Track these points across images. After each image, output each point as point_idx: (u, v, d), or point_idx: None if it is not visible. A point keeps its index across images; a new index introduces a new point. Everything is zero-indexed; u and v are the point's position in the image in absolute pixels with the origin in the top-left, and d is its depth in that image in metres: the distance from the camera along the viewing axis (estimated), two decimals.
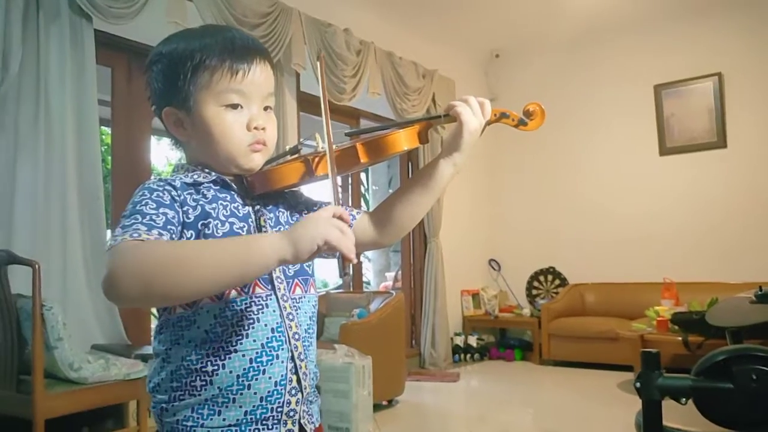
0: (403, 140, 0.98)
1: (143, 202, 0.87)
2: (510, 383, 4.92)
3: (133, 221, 0.83)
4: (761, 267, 4.83)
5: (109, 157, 3.73)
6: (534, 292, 6.18)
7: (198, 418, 0.88)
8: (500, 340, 6.08)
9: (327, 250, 0.81)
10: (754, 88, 5.18)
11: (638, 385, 0.86)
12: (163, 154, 6.93)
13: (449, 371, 5.18)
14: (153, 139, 3.87)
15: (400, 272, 6.18)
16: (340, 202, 0.92)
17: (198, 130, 0.94)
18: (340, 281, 6.15)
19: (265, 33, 3.88)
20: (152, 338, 0.96)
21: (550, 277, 6.14)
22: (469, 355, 5.70)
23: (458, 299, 5.98)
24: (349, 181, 5.38)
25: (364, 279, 6.38)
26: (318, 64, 1.09)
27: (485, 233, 6.37)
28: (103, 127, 3.64)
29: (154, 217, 0.84)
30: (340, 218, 0.84)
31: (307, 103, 4.43)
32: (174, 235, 0.86)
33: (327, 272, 8.25)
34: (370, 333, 3.79)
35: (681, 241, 5.38)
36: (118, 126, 3.58)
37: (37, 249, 2.77)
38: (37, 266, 2.30)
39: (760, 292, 2.94)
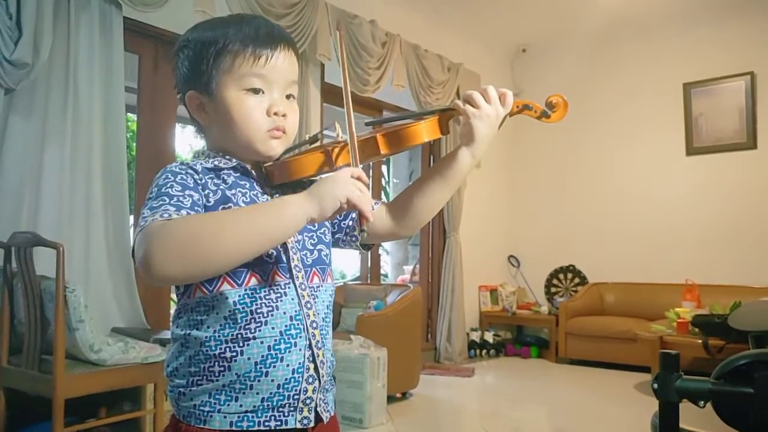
0: (425, 131, 0.97)
1: (168, 185, 0.88)
2: (525, 380, 4.90)
3: (161, 202, 0.84)
4: None
5: (134, 144, 3.78)
6: (553, 289, 6.14)
7: (215, 403, 0.89)
8: (517, 337, 6.06)
9: (348, 208, 0.85)
10: None
11: (656, 386, 0.85)
12: (187, 142, 7.00)
13: (464, 366, 5.18)
14: (177, 127, 3.91)
15: (418, 266, 6.18)
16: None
17: (219, 114, 0.95)
18: (357, 273, 6.18)
19: (292, 23, 3.89)
20: (171, 323, 0.97)
21: (569, 275, 6.09)
22: (484, 351, 5.69)
23: (476, 294, 5.96)
24: (370, 173, 5.38)
25: (382, 271, 6.39)
26: (338, 37, 1.09)
27: (505, 229, 6.33)
28: (128, 114, 3.68)
29: (181, 198, 0.86)
30: (359, 179, 0.87)
31: (331, 95, 4.44)
32: None
33: (345, 263, 8.28)
34: (387, 325, 3.80)
35: (704, 243, 5.29)
36: (143, 113, 3.62)
37: (61, 232, 2.82)
38: (61, 249, 2.34)
39: None
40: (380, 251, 5.84)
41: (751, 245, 5.08)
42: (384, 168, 6.64)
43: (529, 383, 4.81)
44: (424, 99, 5.01)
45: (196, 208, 0.87)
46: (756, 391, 0.80)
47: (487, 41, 5.98)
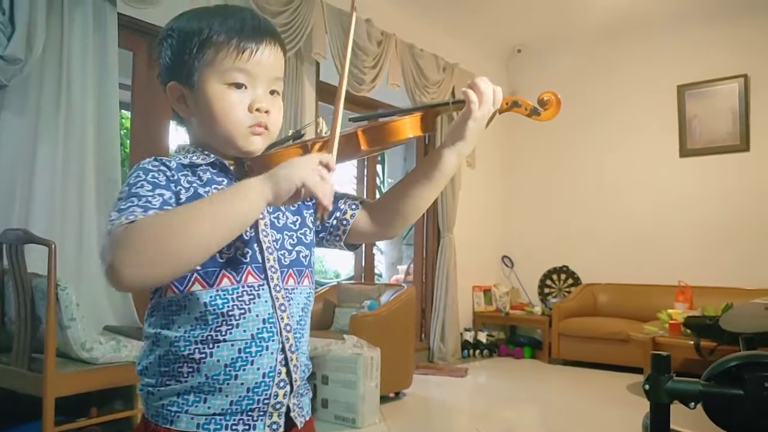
0: (407, 128, 0.94)
1: (138, 184, 0.86)
2: (518, 381, 4.90)
3: (129, 204, 0.82)
4: None
5: (128, 141, 3.77)
6: (546, 290, 6.15)
7: (183, 404, 0.87)
8: (510, 337, 6.07)
9: (305, 194, 0.81)
10: None
11: (647, 387, 0.85)
12: (181, 139, 6.99)
13: (457, 366, 5.18)
14: (172, 125, 3.90)
15: (412, 265, 6.18)
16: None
17: (199, 107, 0.93)
18: (351, 273, 6.17)
19: (287, 21, 3.88)
20: (144, 320, 0.95)
21: (563, 276, 6.10)
22: (478, 351, 5.70)
23: (470, 295, 5.97)
24: (365, 172, 5.38)
25: (376, 271, 6.39)
26: (353, 14, 1.02)
27: (499, 230, 6.34)
28: (122, 111, 3.67)
29: (150, 198, 0.84)
30: (326, 164, 0.84)
31: (326, 93, 4.43)
32: None
33: (339, 262, 8.28)
34: (380, 325, 3.80)
35: (697, 245, 5.31)
36: (137, 110, 3.61)
37: (53, 229, 2.81)
38: (53, 246, 2.33)
39: None
40: (374, 251, 5.84)
41: (744, 247, 5.10)
42: (379, 167, 6.64)
43: (522, 384, 4.82)
44: (419, 98, 5.01)
45: (165, 207, 0.84)
46: (746, 392, 0.80)
47: (483, 42, 5.99)
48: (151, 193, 0.84)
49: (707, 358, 3.69)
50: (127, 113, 4.53)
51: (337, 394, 3.34)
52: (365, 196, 5.27)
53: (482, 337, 5.77)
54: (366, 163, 5.33)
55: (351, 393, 3.32)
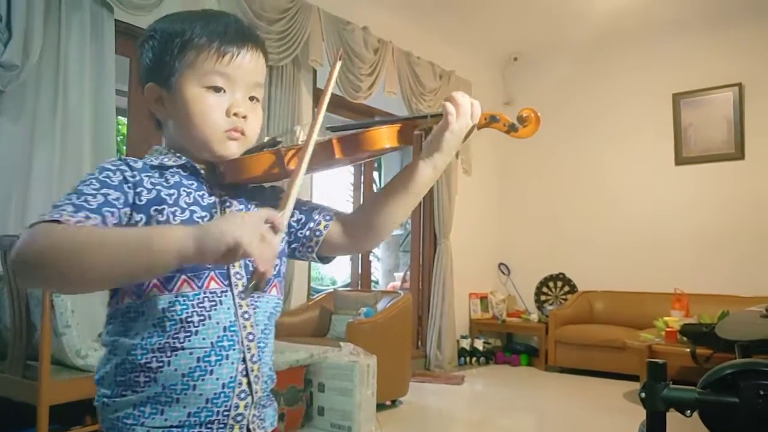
0: (383, 138, 0.92)
1: (88, 181, 0.84)
2: (514, 388, 4.90)
3: (65, 201, 0.80)
4: None
5: (124, 147, 3.76)
6: (542, 297, 6.15)
7: (139, 416, 0.84)
8: (507, 345, 6.06)
9: (242, 255, 0.73)
10: None
11: (643, 395, 0.85)
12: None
13: (454, 374, 5.17)
14: None
15: (408, 272, 6.18)
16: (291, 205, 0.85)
17: (177, 109, 0.91)
18: (348, 280, 6.15)
19: (284, 29, 3.90)
20: (104, 328, 0.92)
21: (559, 284, 6.10)
22: (474, 359, 5.69)
23: (466, 302, 5.96)
24: (362, 179, 5.38)
25: (373, 278, 6.38)
26: (337, 64, 1.00)
27: (496, 237, 6.35)
28: (119, 117, 3.67)
29: (89, 198, 0.81)
30: (273, 224, 0.76)
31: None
32: (113, 218, 0.82)
33: (336, 269, 8.26)
34: (377, 332, 3.79)
35: (693, 252, 5.32)
36: (134, 116, 3.61)
37: None
38: None
39: None
40: (371, 258, 5.83)
41: (740, 254, 5.12)
42: (375, 174, 6.64)
43: (518, 391, 4.81)
44: (415, 106, 5.03)
45: (105, 209, 0.81)
46: (741, 400, 0.80)
47: (479, 49, 6.02)
48: (93, 192, 0.82)
49: (703, 366, 3.70)
50: (123, 119, 4.53)
51: (333, 401, 3.33)
52: (362, 203, 5.27)
53: (479, 344, 5.76)
54: (363, 169, 5.33)
55: (347, 401, 3.31)
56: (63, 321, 2.38)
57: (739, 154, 5.24)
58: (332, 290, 4.89)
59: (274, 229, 0.76)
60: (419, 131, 1.01)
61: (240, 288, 0.89)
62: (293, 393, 3.11)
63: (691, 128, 5.46)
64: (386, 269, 7.62)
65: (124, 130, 4.49)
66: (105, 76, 3.09)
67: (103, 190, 0.83)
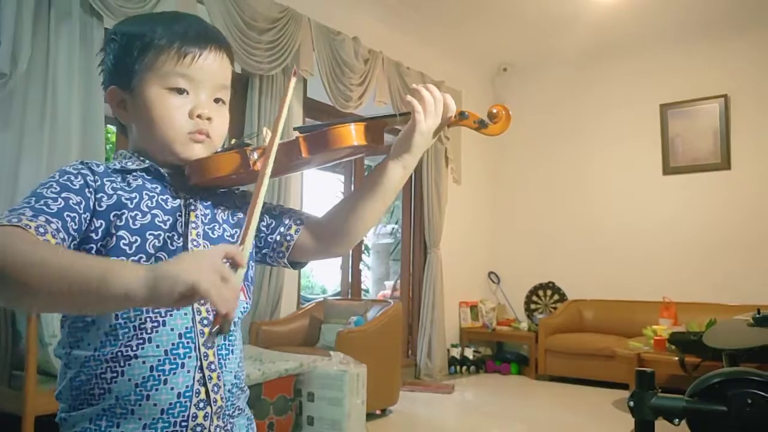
0: (351, 135, 0.89)
1: (48, 184, 0.81)
2: (504, 397, 4.89)
3: (24, 204, 0.77)
4: (761, 289, 4.81)
5: (113, 156, 3.74)
6: (532, 306, 6.17)
7: (95, 430, 0.81)
8: (497, 354, 6.06)
9: (200, 299, 0.66)
10: (760, 111, 5.19)
11: (631, 404, 0.86)
12: None
13: (444, 383, 5.16)
14: None
15: (398, 281, 6.17)
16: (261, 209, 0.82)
17: (138, 112, 0.89)
18: (338, 288, 6.13)
19: (274, 38, 3.90)
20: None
21: (549, 292, 6.12)
22: (464, 367, 5.68)
23: (456, 311, 5.97)
24: (352, 178, 5.37)
25: (363, 287, 6.37)
26: (292, 80, 0.97)
27: (485, 246, 6.36)
28: (107, 125, 3.65)
29: (49, 201, 0.78)
30: (233, 260, 0.70)
31: (313, 110, 4.45)
32: (73, 222, 0.79)
33: (326, 278, 8.24)
34: (367, 341, 3.78)
35: (681, 261, 5.37)
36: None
37: None
38: None
39: (758, 315, 2.93)
40: (361, 266, 5.82)
41: (727, 263, 5.16)
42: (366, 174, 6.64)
43: (508, 400, 4.81)
44: None
45: (66, 213, 0.78)
46: (729, 409, 0.81)
47: (469, 60, 6.06)
48: (53, 196, 0.79)
49: (692, 374, 3.72)
50: (112, 128, 4.51)
51: (323, 411, 3.31)
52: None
53: (469, 353, 5.76)
54: (353, 179, 5.33)
55: (337, 410, 3.29)
56: (49, 331, 2.36)
57: (725, 164, 5.30)
58: (322, 299, 4.87)
59: (234, 265, 0.71)
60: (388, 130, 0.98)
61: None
62: (282, 402, 3.09)
63: (679, 138, 5.52)
64: (376, 278, 7.61)
65: (113, 139, 4.46)
66: (94, 85, 3.07)
67: (64, 194, 0.80)
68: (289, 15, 4.03)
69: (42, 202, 0.78)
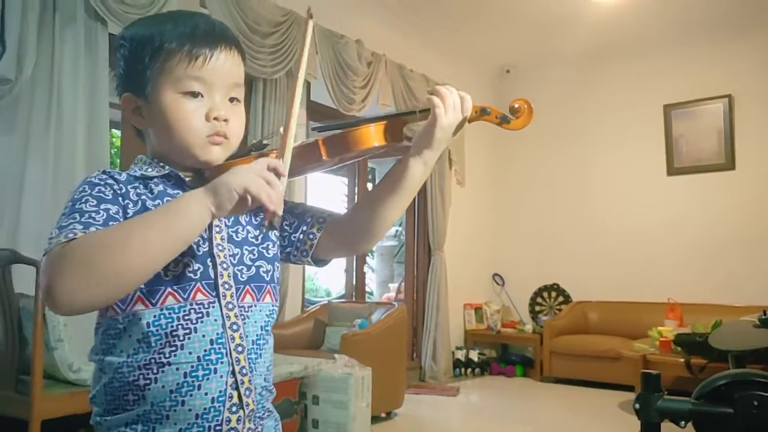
0: (371, 136, 0.89)
1: (83, 199, 0.82)
2: (509, 399, 4.88)
3: (70, 221, 0.78)
4: (766, 290, 4.79)
5: (118, 160, 3.76)
6: (537, 308, 6.15)
7: None
8: (502, 356, 6.05)
9: (253, 202, 0.77)
10: (764, 110, 5.17)
11: (637, 406, 0.86)
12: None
13: (449, 385, 5.15)
14: None
15: (403, 284, 6.17)
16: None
17: (155, 118, 0.89)
18: (342, 291, 6.13)
19: (277, 42, 3.91)
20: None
21: (553, 294, 6.11)
22: (469, 370, 5.67)
23: (461, 313, 5.96)
24: (356, 181, 5.37)
25: (367, 289, 6.37)
26: (309, 23, 0.95)
27: (490, 248, 6.35)
28: (112, 130, 3.67)
29: (93, 214, 0.80)
30: (275, 170, 0.79)
31: (317, 113, 4.45)
32: None
33: (330, 281, 8.24)
34: (371, 344, 3.78)
35: (686, 262, 5.35)
36: (128, 129, 3.60)
37: (41, 249, 2.77)
38: (40, 266, 2.30)
39: (764, 316, 2.92)
40: (365, 269, 5.83)
41: (732, 264, 5.14)
42: (369, 185, 6.65)
43: (513, 402, 4.80)
44: None
45: (110, 223, 0.80)
46: (735, 411, 0.80)
47: (472, 62, 6.06)
48: (95, 209, 0.80)
49: (698, 376, 3.70)
50: (117, 132, 4.53)
51: (328, 414, 3.31)
52: (354, 204, 5.25)
53: (474, 355, 5.75)
54: (356, 180, 5.34)
55: (342, 413, 3.29)
56: (55, 335, 2.36)
57: (729, 164, 5.28)
58: (326, 302, 4.87)
59: (277, 174, 0.79)
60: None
61: (228, 298, 0.87)
62: (288, 405, 3.09)
63: (682, 139, 5.51)
64: (381, 280, 7.60)
65: (118, 143, 4.48)
66: (98, 90, 3.09)
67: (103, 206, 0.81)
68: (292, 18, 4.04)
69: (87, 216, 0.79)
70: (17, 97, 2.78)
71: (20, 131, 2.83)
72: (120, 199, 0.84)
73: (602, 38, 5.50)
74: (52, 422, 2.37)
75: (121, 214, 0.83)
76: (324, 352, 3.93)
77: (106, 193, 0.84)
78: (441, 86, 0.92)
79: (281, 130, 0.90)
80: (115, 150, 4.68)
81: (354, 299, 5.17)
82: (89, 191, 0.83)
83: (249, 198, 0.76)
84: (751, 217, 5.14)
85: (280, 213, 0.78)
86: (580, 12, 5.02)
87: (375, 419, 3.67)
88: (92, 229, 0.77)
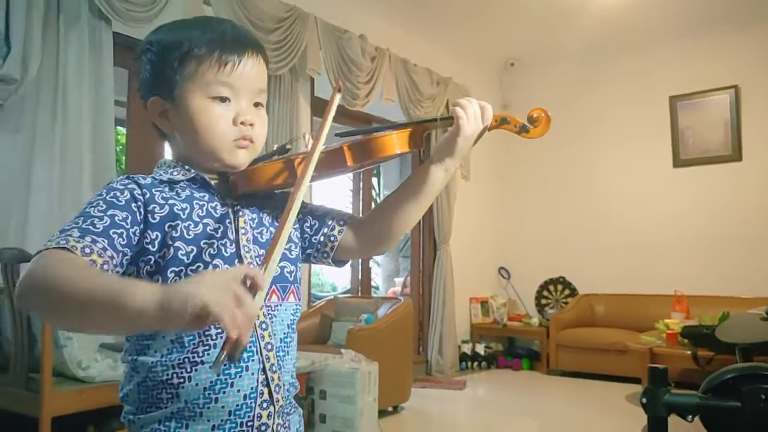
0: (395, 144, 0.92)
1: (94, 203, 0.84)
2: (516, 393, 4.89)
3: (72, 225, 0.80)
4: None
5: (124, 158, 3.77)
6: (543, 301, 6.15)
7: (165, 430, 0.85)
8: (508, 349, 6.06)
9: (212, 321, 0.63)
10: None
11: (644, 400, 0.86)
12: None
13: (455, 379, 5.17)
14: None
15: (409, 278, 6.17)
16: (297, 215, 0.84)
17: (182, 122, 0.90)
18: (348, 286, 6.15)
19: (281, 38, 3.91)
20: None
21: (559, 287, 6.10)
22: (476, 363, 5.68)
23: (467, 306, 5.96)
24: (360, 185, 5.39)
25: (373, 284, 6.38)
26: (336, 96, 0.98)
27: (495, 241, 6.35)
28: (118, 128, 3.68)
29: (95, 221, 0.81)
30: (252, 282, 0.68)
31: (321, 109, 4.45)
32: (120, 239, 0.81)
33: (336, 276, 8.26)
34: (378, 338, 3.79)
35: (693, 254, 5.33)
36: (133, 126, 3.62)
37: None
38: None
39: None
40: (371, 264, 5.83)
41: (739, 256, 5.12)
42: (374, 180, 6.65)
43: (520, 395, 4.81)
44: (413, 113, 5.04)
45: (112, 230, 0.81)
46: (743, 405, 0.80)
47: (476, 56, 6.04)
48: (99, 214, 0.82)
49: (705, 368, 3.69)
50: (122, 129, 4.54)
51: (335, 409, 3.32)
52: (361, 210, 5.29)
53: (480, 349, 5.76)
54: (362, 176, 5.34)
55: (349, 408, 3.30)
56: (64, 333, 2.38)
57: (736, 155, 5.25)
58: (332, 297, 4.89)
59: (254, 287, 0.68)
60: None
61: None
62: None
63: (689, 131, 5.48)
64: (386, 275, 7.61)
65: (124, 141, 4.49)
66: (104, 88, 3.10)
67: (110, 212, 0.82)
68: (296, 14, 4.03)
69: (89, 221, 0.81)
70: (23, 96, 2.79)
71: (26, 130, 2.84)
72: (134, 204, 0.85)
73: (607, 31, 5.46)
74: (62, 419, 2.39)
75: (129, 221, 0.84)
76: (330, 347, 3.94)
77: (120, 198, 0.85)
78: (464, 99, 0.96)
79: (306, 135, 0.94)
80: (121, 147, 4.70)
81: (360, 294, 5.18)
82: (104, 195, 0.85)
83: (208, 317, 0.63)
84: (758, 208, 5.11)
85: (246, 341, 0.66)
86: (585, 5, 4.99)
87: (382, 413, 3.68)
88: (87, 238, 0.79)
